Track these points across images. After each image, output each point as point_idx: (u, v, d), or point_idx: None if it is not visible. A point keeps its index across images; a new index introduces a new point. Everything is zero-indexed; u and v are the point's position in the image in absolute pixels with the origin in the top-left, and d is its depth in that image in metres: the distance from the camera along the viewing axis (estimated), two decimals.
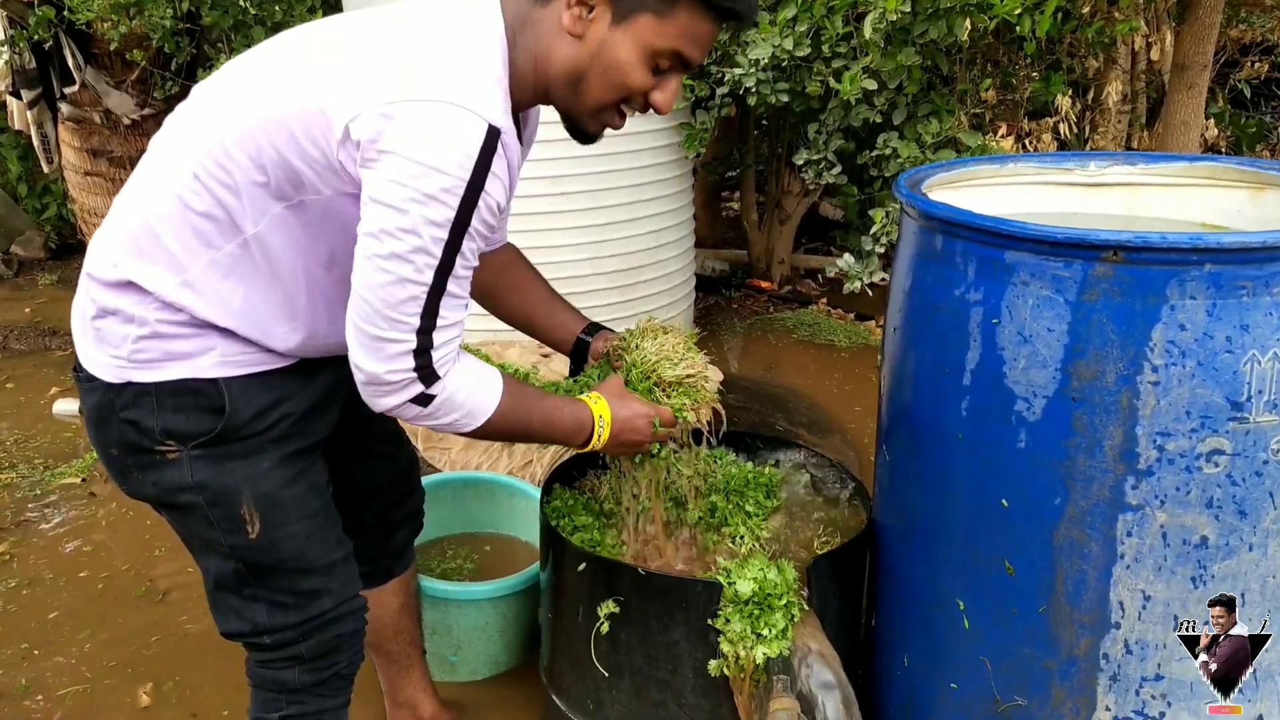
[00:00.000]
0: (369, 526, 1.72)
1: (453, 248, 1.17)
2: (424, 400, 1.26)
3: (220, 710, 2.14)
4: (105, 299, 1.29)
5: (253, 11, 3.71)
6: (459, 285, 1.22)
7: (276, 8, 3.72)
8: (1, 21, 4.48)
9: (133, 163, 4.87)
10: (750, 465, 1.93)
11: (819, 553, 1.70)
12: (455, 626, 2.11)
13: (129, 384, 1.30)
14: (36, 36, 4.32)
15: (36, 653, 2.31)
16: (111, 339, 1.29)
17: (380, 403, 1.26)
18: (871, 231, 3.33)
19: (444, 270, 1.18)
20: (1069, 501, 1.35)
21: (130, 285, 1.27)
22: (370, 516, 1.71)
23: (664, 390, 1.57)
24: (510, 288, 1.67)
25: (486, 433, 1.36)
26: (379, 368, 1.22)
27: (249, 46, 3.80)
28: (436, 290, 1.19)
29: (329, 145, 1.18)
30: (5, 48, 4.47)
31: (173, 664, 2.29)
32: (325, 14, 3.77)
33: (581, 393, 1.53)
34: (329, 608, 1.45)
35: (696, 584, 1.58)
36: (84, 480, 3.09)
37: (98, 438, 1.37)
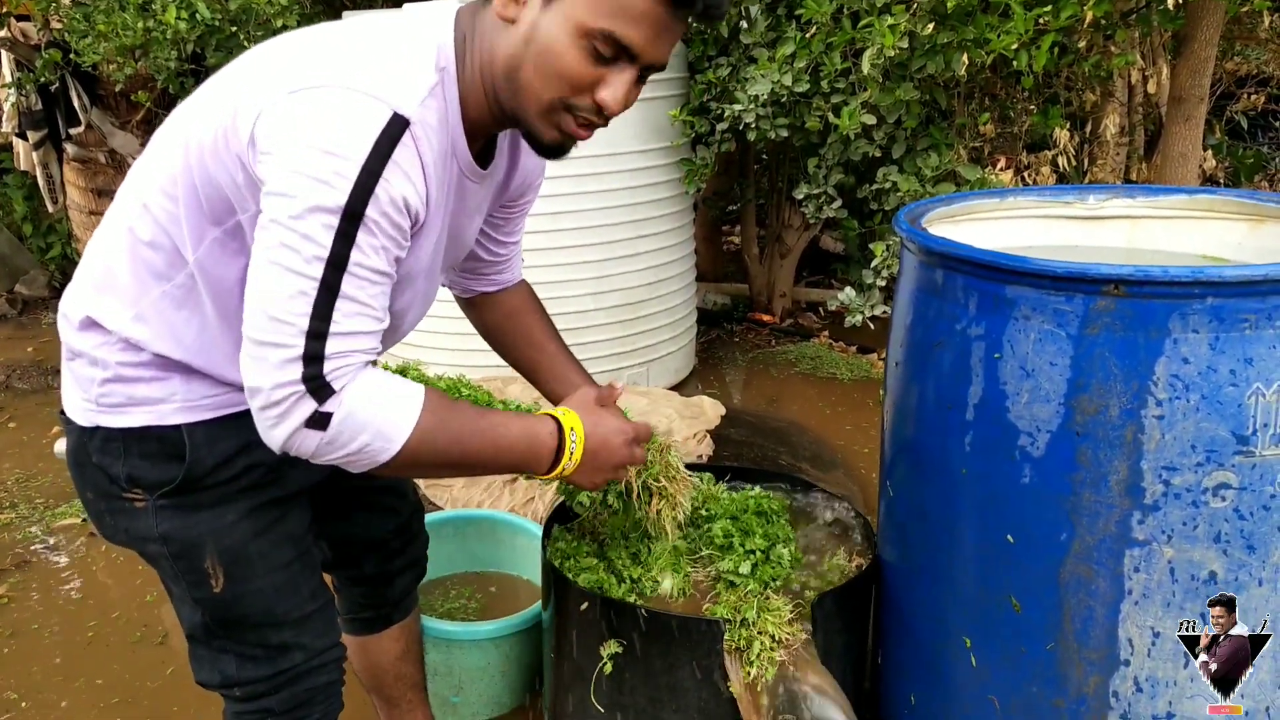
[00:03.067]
0: (370, 576, 1.70)
1: (345, 238, 1.04)
2: (320, 421, 1.08)
3: None
4: (73, 340, 1.28)
5: None
6: (362, 290, 1.08)
7: None
8: (9, 64, 4.53)
9: None
10: (749, 489, 1.92)
11: (824, 589, 1.69)
12: (457, 666, 2.08)
13: (97, 428, 1.28)
14: (43, 79, 4.36)
15: (25, 704, 2.28)
16: (81, 381, 1.28)
17: (274, 433, 1.10)
18: (872, 265, 3.33)
19: (335, 265, 1.05)
20: (1075, 537, 1.33)
21: (92, 324, 1.25)
22: (371, 567, 1.69)
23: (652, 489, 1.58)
24: (520, 336, 1.63)
25: (411, 461, 1.15)
26: (264, 380, 1.07)
27: None
28: (328, 288, 1.05)
29: (243, 151, 1.09)
30: (12, 90, 4.51)
31: (173, 700, 2.27)
32: None
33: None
34: (300, 661, 1.41)
35: (700, 623, 1.56)
36: (84, 520, 3.07)
37: (76, 480, 1.35)
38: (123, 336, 1.23)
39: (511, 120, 1.21)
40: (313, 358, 1.06)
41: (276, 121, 1.06)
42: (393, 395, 1.13)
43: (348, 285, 1.06)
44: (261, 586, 1.35)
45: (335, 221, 1.04)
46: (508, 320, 1.64)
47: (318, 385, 1.07)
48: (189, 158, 1.15)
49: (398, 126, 1.06)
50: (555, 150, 1.21)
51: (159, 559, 1.34)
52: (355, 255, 1.06)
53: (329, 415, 1.08)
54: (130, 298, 1.23)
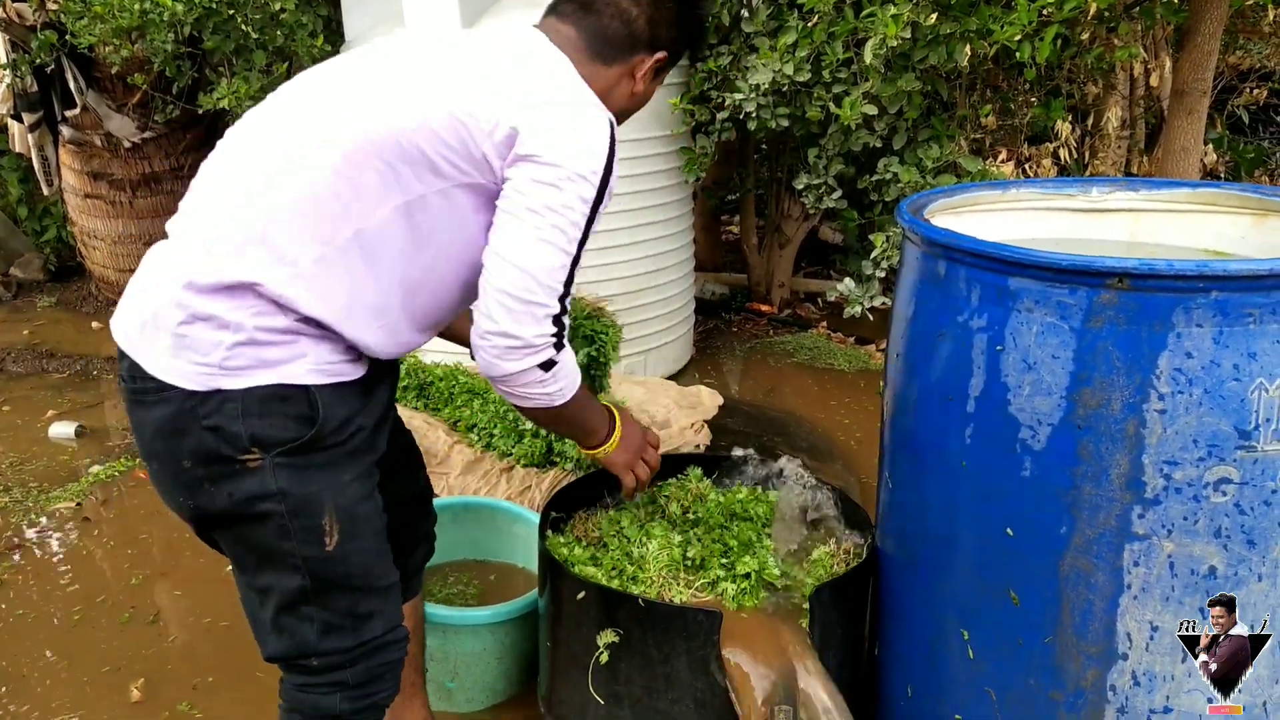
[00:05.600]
0: (396, 540, 1.71)
1: (590, 223, 1.36)
2: (548, 365, 1.38)
3: (216, 697, 2.16)
4: (197, 303, 1.28)
5: (254, 36, 3.71)
6: (582, 253, 1.38)
7: (278, 33, 3.73)
8: (4, 45, 4.50)
9: (133, 185, 4.92)
10: (738, 487, 1.92)
11: (813, 579, 1.68)
12: (453, 652, 2.08)
13: (216, 391, 1.29)
14: (39, 60, 4.33)
15: (2, 689, 2.28)
16: (200, 346, 1.28)
17: (511, 364, 1.35)
18: (872, 256, 3.33)
19: (582, 243, 1.36)
20: (1075, 531, 1.33)
21: (232, 287, 1.28)
22: (396, 528, 1.70)
23: None
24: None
25: (559, 411, 1.46)
26: (528, 331, 1.33)
27: (250, 70, 3.82)
28: (575, 261, 1.36)
29: (474, 139, 1.32)
30: (7, 71, 4.48)
31: (163, 663, 2.30)
32: (327, 40, 3.80)
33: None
34: (379, 633, 1.45)
35: (698, 614, 1.56)
36: (79, 504, 3.06)
37: (169, 450, 1.34)
38: (274, 296, 1.29)
39: None
40: (559, 316, 1.36)
41: (546, 128, 1.32)
42: (574, 363, 1.46)
43: (581, 251, 1.37)
44: (367, 547, 1.43)
45: (588, 210, 1.34)
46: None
47: (559, 339, 1.38)
48: (398, 134, 1.31)
49: (613, 127, 1.38)
50: None
51: (269, 518, 1.35)
52: (591, 230, 1.37)
53: (555, 363, 1.38)
54: (288, 258, 1.29)
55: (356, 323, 1.35)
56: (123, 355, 1.35)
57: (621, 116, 1.54)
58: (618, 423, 1.64)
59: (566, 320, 1.38)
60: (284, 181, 1.30)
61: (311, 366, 1.33)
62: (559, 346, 1.38)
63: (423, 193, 1.33)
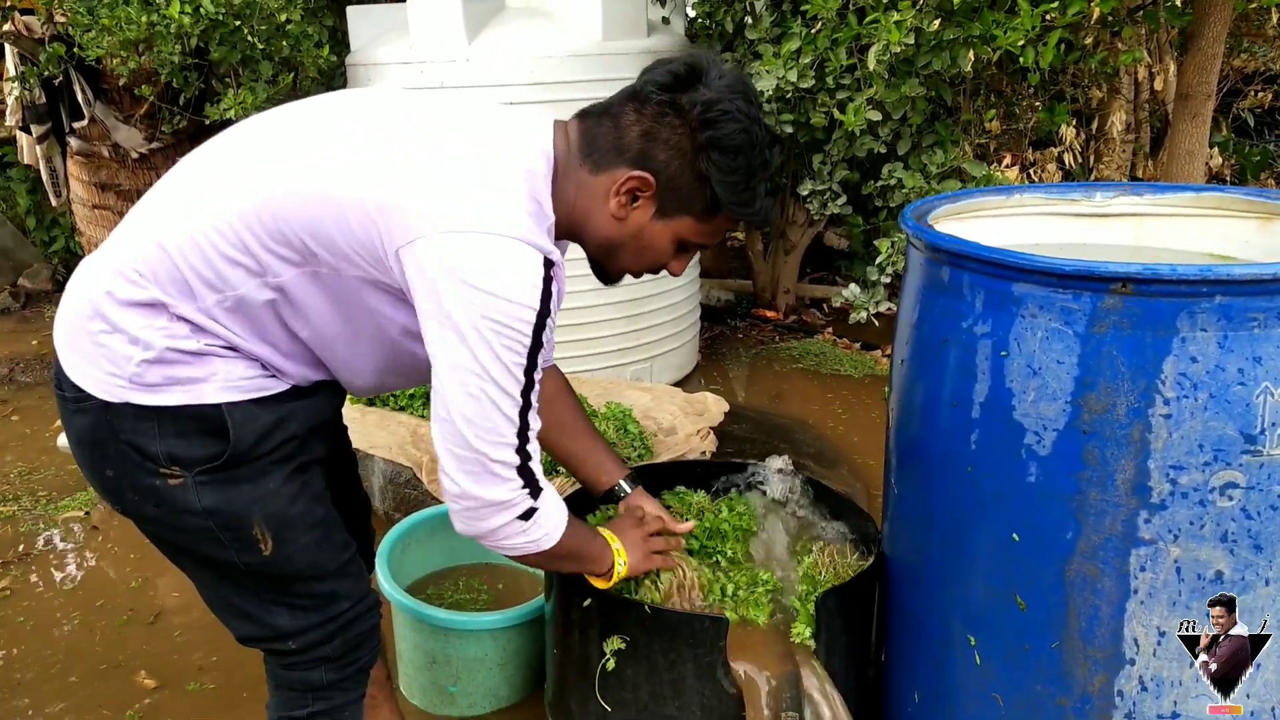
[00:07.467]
0: None
1: (531, 368, 1.26)
2: (528, 515, 1.33)
3: (226, 674, 2.22)
4: (116, 316, 1.28)
5: (261, 47, 3.73)
6: (535, 392, 1.30)
7: (284, 44, 3.75)
8: (12, 58, 4.53)
9: (141, 196, 4.93)
10: (734, 495, 1.92)
11: (826, 587, 1.68)
12: (455, 656, 2.08)
13: (127, 404, 1.28)
14: (47, 72, 4.35)
15: (11, 690, 2.29)
16: (115, 358, 1.28)
17: (483, 525, 1.32)
18: (877, 261, 3.33)
19: (527, 389, 1.27)
20: (1081, 536, 1.33)
21: (145, 306, 1.27)
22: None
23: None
24: (555, 425, 1.68)
25: (552, 552, 1.40)
26: (492, 493, 1.29)
27: (257, 81, 3.83)
28: (525, 407, 1.27)
29: (382, 243, 1.23)
30: (16, 84, 4.51)
31: (168, 655, 2.33)
32: (333, 50, 3.82)
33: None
34: (346, 609, 1.47)
35: (704, 620, 1.56)
36: (87, 513, 3.07)
37: (91, 459, 1.35)
38: (185, 318, 1.27)
39: (585, 251, 1.44)
40: (524, 462, 1.30)
41: (445, 260, 1.20)
42: (556, 499, 1.40)
43: (531, 395, 1.28)
44: (306, 543, 1.41)
45: (523, 360, 1.24)
46: (545, 409, 1.60)
47: (532, 483, 1.32)
48: (310, 206, 1.25)
49: (549, 269, 1.24)
50: (614, 283, 1.49)
51: (198, 531, 1.35)
52: (536, 375, 1.28)
53: (535, 510, 1.33)
54: (194, 295, 1.27)
55: (267, 354, 1.33)
56: (56, 360, 1.36)
57: (610, 246, 1.39)
58: (613, 543, 1.57)
59: (535, 460, 1.32)
60: (202, 223, 1.26)
61: (223, 384, 1.30)
62: (535, 491, 1.32)
63: (332, 270, 1.27)
